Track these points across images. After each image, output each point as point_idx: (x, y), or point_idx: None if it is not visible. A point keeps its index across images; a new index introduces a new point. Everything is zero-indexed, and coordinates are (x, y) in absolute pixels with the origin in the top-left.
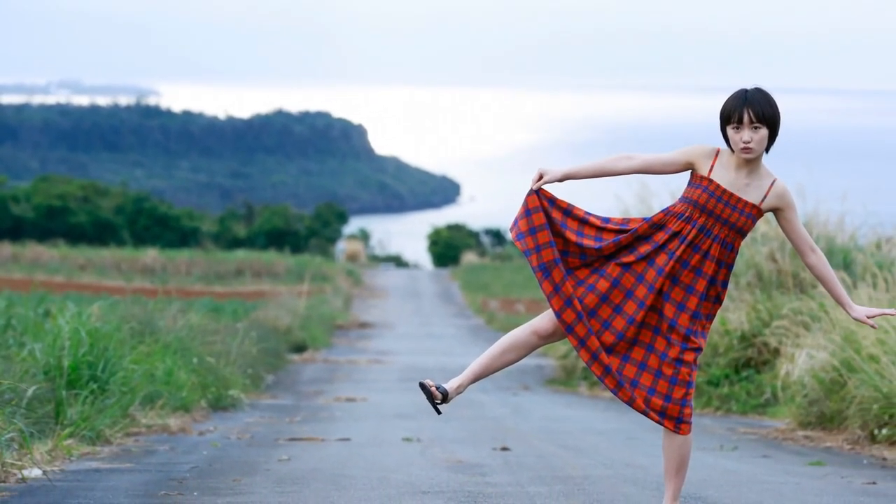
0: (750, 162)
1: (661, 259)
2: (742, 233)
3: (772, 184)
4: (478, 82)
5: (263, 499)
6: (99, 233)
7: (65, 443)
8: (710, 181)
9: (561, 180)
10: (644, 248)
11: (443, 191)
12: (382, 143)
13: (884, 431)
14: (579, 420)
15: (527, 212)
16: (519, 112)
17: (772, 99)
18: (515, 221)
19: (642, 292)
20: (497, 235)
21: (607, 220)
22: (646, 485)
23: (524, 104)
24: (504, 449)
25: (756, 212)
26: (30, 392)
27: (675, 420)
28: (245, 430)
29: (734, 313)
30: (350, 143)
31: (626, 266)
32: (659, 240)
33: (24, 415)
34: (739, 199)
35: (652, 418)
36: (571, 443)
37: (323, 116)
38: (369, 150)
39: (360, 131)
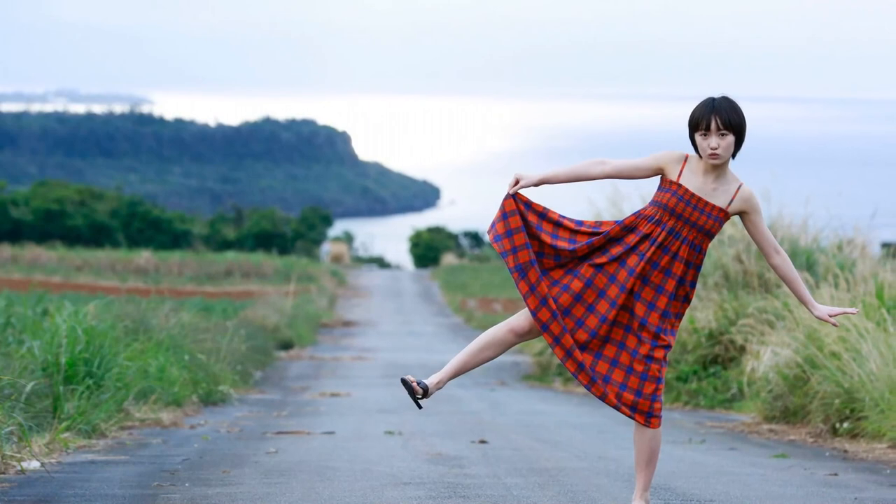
0: (717, 167)
1: (633, 260)
2: (709, 235)
3: (738, 188)
4: (457, 91)
5: (252, 490)
6: (95, 235)
7: (62, 436)
8: (679, 185)
9: (537, 185)
10: (616, 250)
11: (423, 195)
12: (366, 150)
13: (845, 425)
14: (554, 414)
15: (504, 215)
16: (496, 120)
17: (738, 107)
18: (493, 224)
19: (614, 292)
20: (475, 237)
21: (581, 223)
22: (618, 476)
23: (501, 112)
24: (482, 442)
25: (723, 215)
26: (28, 387)
27: (645, 414)
28: (234, 424)
29: (702, 312)
30: (335, 150)
31: (599, 267)
32: (630, 242)
33: (23, 409)
34: (707, 203)
35: (623, 412)
36: (547, 436)
37: (308, 124)
38: (353, 156)
39: (344, 138)
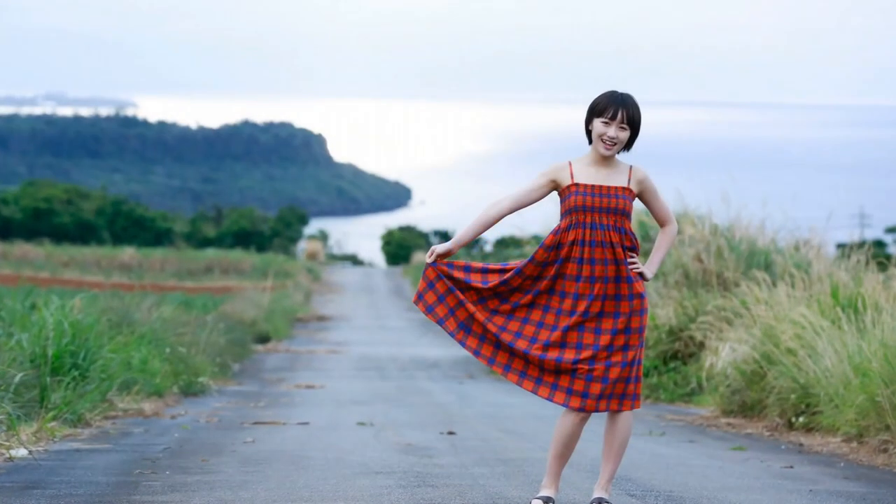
0: (606, 158)
1: (571, 269)
2: (626, 214)
3: (630, 169)
4: (427, 96)
5: (229, 477)
6: (81, 233)
7: (49, 425)
8: (577, 184)
9: (452, 250)
10: (550, 272)
11: (396, 195)
12: (340, 152)
13: (800, 419)
14: (519, 406)
15: (430, 284)
16: (466, 123)
17: (639, 107)
18: (420, 296)
19: (568, 305)
20: (445, 236)
21: (505, 264)
22: (580, 467)
23: (470, 116)
24: (450, 433)
25: (628, 192)
26: (17, 378)
27: (619, 398)
28: (213, 414)
29: (663, 309)
30: (310, 151)
31: (545, 291)
32: (563, 254)
33: (12, 399)
34: (609, 187)
35: (601, 410)
36: (512, 427)
37: (286, 126)
38: (328, 158)
39: (319, 140)
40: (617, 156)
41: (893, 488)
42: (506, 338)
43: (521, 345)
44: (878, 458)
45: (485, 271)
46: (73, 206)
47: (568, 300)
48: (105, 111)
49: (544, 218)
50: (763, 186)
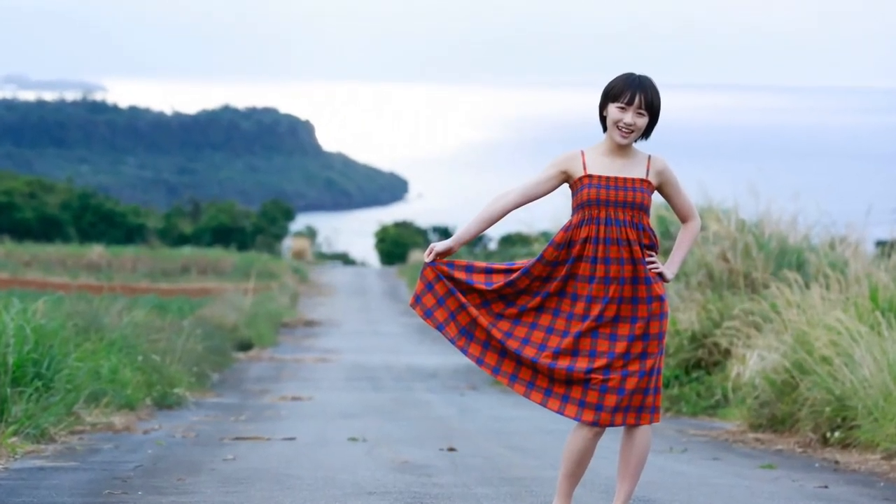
0: (622, 147)
1: (584, 268)
2: (644, 209)
3: (648, 158)
4: (426, 79)
5: (208, 498)
6: (44, 229)
7: (9, 441)
8: (591, 176)
9: (453, 248)
10: (560, 272)
11: (391, 188)
12: (330, 140)
13: (836, 434)
14: (526, 420)
15: (428, 285)
16: (467, 109)
17: (658, 91)
18: (418, 298)
19: (581, 308)
20: (445, 234)
21: (511, 263)
22: (594, 486)
23: (472, 102)
24: (451, 449)
25: (647, 184)
26: None
27: (637, 410)
28: (190, 429)
29: (684, 313)
30: (297, 140)
31: (555, 293)
32: (574, 253)
33: None
34: (626, 178)
35: (618, 423)
36: (519, 443)
37: (270, 112)
38: (317, 147)
39: (307, 127)
40: (634, 145)
41: None
42: (512, 345)
43: (528, 352)
44: None
45: (489, 272)
46: (37, 199)
47: (580, 303)
48: (71, 96)
49: (554, 213)
50: (795, 178)
